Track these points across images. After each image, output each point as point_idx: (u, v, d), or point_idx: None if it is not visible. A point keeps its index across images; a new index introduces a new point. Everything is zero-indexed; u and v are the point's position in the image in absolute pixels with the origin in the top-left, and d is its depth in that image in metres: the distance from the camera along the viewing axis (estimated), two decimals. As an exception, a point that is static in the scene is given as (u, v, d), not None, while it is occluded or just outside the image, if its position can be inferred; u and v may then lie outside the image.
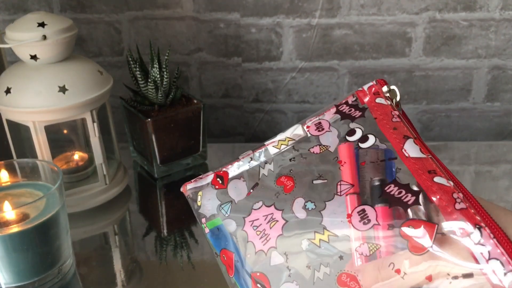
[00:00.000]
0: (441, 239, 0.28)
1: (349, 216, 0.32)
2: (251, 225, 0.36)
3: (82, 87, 0.55)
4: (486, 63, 0.77)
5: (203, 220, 0.40)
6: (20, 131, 0.58)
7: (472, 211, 0.28)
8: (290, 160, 0.38)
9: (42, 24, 0.53)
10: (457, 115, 0.81)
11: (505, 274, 0.25)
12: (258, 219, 0.36)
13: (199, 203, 0.40)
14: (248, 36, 0.77)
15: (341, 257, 0.31)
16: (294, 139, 0.39)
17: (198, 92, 0.82)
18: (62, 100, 0.53)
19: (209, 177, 0.41)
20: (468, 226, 0.27)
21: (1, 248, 0.44)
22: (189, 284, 0.50)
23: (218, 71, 0.80)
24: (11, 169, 0.51)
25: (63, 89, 0.53)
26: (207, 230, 0.39)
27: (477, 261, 0.26)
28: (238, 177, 0.40)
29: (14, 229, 0.44)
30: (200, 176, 0.42)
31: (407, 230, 0.29)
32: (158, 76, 0.63)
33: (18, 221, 0.45)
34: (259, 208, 0.36)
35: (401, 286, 0.28)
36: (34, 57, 0.53)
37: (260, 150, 0.40)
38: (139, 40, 0.78)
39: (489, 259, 0.26)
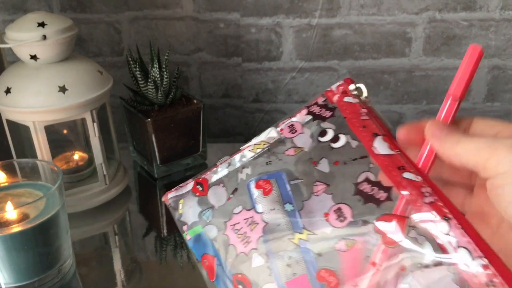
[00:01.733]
0: (412, 232, 0.29)
1: (326, 215, 0.33)
2: (232, 229, 0.37)
3: (82, 87, 0.55)
4: (486, 63, 0.77)
5: (185, 228, 0.41)
6: (20, 131, 0.58)
7: (440, 204, 0.29)
8: (266, 163, 0.39)
9: (42, 24, 0.53)
10: (457, 115, 0.81)
11: (472, 260, 0.27)
12: (239, 222, 0.37)
13: (180, 211, 0.41)
14: (248, 36, 0.77)
15: (319, 254, 0.33)
16: (269, 142, 0.40)
17: (198, 92, 0.82)
18: (62, 100, 0.53)
19: (190, 185, 0.42)
20: (437, 218, 0.29)
21: (1, 248, 0.44)
22: (189, 284, 0.50)
23: (218, 71, 0.80)
24: (11, 169, 0.51)
25: (63, 89, 0.53)
26: (188, 237, 0.40)
27: (446, 251, 0.28)
28: (218, 183, 0.40)
29: (14, 229, 0.44)
30: (181, 185, 0.43)
31: (380, 225, 0.31)
32: (158, 76, 0.63)
33: (18, 221, 0.44)
34: (240, 212, 0.37)
35: (378, 278, 0.30)
36: (34, 57, 0.53)
37: (237, 155, 0.41)
38: (139, 40, 0.78)
39: (457, 247, 0.28)
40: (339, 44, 0.77)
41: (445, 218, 0.29)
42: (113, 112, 0.63)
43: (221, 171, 0.41)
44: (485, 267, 0.27)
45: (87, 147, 0.64)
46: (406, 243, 0.29)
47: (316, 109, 0.40)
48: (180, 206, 0.41)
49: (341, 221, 0.32)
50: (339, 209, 0.33)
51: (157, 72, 0.63)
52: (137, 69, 0.63)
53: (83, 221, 0.59)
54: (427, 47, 0.76)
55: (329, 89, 0.40)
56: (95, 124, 0.57)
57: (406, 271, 0.29)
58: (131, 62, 0.63)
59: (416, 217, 0.30)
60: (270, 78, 0.80)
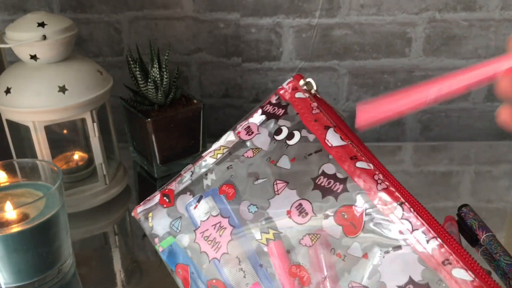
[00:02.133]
0: (370, 219, 0.31)
1: (288, 212, 0.34)
2: (202, 237, 0.38)
3: (82, 87, 0.55)
4: (486, 63, 0.77)
5: (156, 240, 0.41)
6: (20, 131, 0.58)
7: (392, 189, 0.31)
8: (228, 168, 0.39)
9: (42, 24, 0.53)
10: (457, 115, 0.81)
11: (427, 241, 0.29)
12: (207, 229, 0.38)
13: (150, 224, 0.42)
14: (248, 36, 0.77)
15: (288, 251, 0.34)
16: (228, 146, 0.41)
17: (198, 92, 0.82)
18: (62, 100, 0.53)
19: (156, 197, 0.42)
20: (391, 204, 0.30)
21: (1, 248, 0.44)
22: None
23: (218, 71, 0.80)
24: (11, 169, 0.51)
25: (63, 89, 0.53)
26: (160, 249, 0.41)
27: (403, 235, 0.30)
28: (184, 191, 0.41)
29: (14, 229, 0.44)
30: (148, 198, 0.43)
31: (340, 216, 0.32)
32: (158, 76, 0.63)
33: (18, 221, 0.45)
34: (207, 219, 0.38)
35: (343, 268, 0.31)
36: (34, 57, 0.53)
37: (200, 162, 0.41)
38: (139, 40, 0.78)
39: (412, 230, 0.29)
40: (339, 44, 0.77)
41: (398, 203, 0.30)
42: (113, 112, 0.63)
43: (186, 180, 0.41)
44: (440, 246, 0.28)
45: (87, 147, 0.64)
46: (366, 231, 0.31)
47: (269, 108, 0.41)
48: (150, 219, 0.42)
49: (303, 216, 0.34)
50: (300, 205, 0.34)
51: (157, 72, 0.63)
52: (137, 69, 0.63)
53: (83, 221, 0.59)
54: (427, 47, 0.76)
55: (280, 87, 0.41)
56: (95, 124, 0.57)
57: (368, 258, 0.30)
58: (131, 62, 0.63)
59: (371, 205, 0.31)
60: (270, 78, 0.80)
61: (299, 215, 0.34)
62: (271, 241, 0.34)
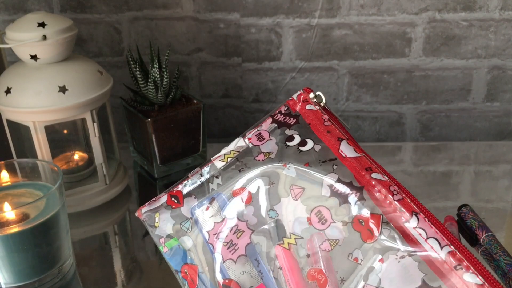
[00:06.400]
0: (387, 226, 0.33)
1: (308, 219, 0.35)
2: (216, 238, 0.38)
3: (82, 87, 0.55)
4: (485, 63, 0.77)
5: (162, 240, 0.42)
6: (20, 131, 0.58)
7: (408, 200, 0.33)
8: (239, 171, 0.40)
9: (42, 24, 0.53)
10: (457, 115, 0.81)
11: (441, 248, 0.31)
12: (222, 231, 0.38)
13: (157, 224, 0.42)
14: (248, 36, 0.77)
15: (308, 255, 0.35)
16: (239, 151, 0.41)
17: (198, 92, 0.82)
18: (62, 100, 0.53)
19: (163, 198, 0.43)
20: (406, 214, 0.32)
21: (1, 248, 0.44)
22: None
23: (218, 71, 0.80)
24: (11, 169, 0.51)
25: (63, 89, 0.53)
26: (165, 250, 0.41)
27: (417, 241, 0.31)
28: (190, 194, 0.42)
29: (14, 229, 0.44)
30: (154, 199, 0.43)
31: (358, 223, 0.33)
32: (158, 76, 0.63)
33: (18, 221, 0.45)
34: (222, 221, 0.39)
35: (360, 272, 0.32)
36: (34, 57, 0.53)
37: (207, 166, 0.42)
38: (139, 40, 0.78)
39: (427, 238, 0.31)
40: (339, 44, 0.77)
41: (413, 213, 0.32)
42: (113, 112, 0.63)
43: (193, 183, 0.42)
44: (453, 253, 0.30)
45: (87, 147, 0.64)
46: (382, 238, 0.32)
47: (280, 118, 0.42)
48: (156, 219, 0.42)
49: (323, 223, 0.35)
50: (319, 211, 0.35)
51: (157, 72, 0.63)
52: (137, 69, 0.63)
53: (83, 221, 0.59)
54: (427, 47, 0.76)
55: (290, 98, 0.43)
56: (95, 124, 0.57)
57: (384, 262, 0.32)
58: (131, 62, 0.63)
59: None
60: (270, 78, 0.80)
61: (318, 222, 0.35)
62: (292, 245, 0.35)
